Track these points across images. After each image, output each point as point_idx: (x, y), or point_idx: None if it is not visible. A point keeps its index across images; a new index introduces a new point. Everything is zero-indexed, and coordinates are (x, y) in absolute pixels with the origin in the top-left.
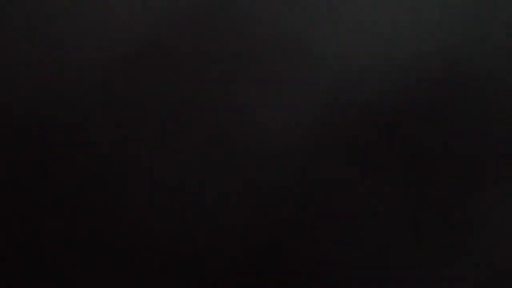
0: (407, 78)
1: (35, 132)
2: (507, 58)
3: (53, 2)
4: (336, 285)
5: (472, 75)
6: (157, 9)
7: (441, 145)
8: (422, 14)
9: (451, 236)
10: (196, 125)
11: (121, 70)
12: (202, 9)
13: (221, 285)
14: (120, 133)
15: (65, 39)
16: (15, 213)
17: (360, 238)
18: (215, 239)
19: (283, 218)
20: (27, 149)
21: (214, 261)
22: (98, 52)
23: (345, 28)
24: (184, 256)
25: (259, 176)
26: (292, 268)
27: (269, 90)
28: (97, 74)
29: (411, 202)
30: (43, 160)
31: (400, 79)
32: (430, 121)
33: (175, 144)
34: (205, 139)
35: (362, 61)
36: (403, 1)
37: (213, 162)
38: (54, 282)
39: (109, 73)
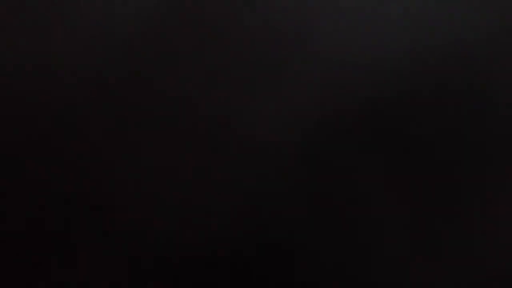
0: (408, 73)
1: (34, 126)
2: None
3: None
4: (337, 281)
5: (476, 71)
6: (154, 2)
7: (443, 141)
8: (425, 8)
9: (454, 231)
10: (191, 121)
11: (118, 63)
12: (198, 4)
13: (217, 285)
14: (115, 128)
15: (61, 32)
16: (13, 211)
17: (359, 236)
18: (211, 238)
19: (279, 215)
20: (25, 144)
21: (210, 260)
22: (94, 45)
23: (345, 22)
24: (180, 255)
25: (254, 172)
26: (291, 266)
27: (267, 85)
28: (93, 68)
29: (412, 198)
30: (42, 155)
31: (401, 74)
32: (431, 116)
33: (169, 140)
34: (200, 135)
35: (362, 57)
36: None
37: (208, 159)
38: (54, 280)
39: (106, 66)
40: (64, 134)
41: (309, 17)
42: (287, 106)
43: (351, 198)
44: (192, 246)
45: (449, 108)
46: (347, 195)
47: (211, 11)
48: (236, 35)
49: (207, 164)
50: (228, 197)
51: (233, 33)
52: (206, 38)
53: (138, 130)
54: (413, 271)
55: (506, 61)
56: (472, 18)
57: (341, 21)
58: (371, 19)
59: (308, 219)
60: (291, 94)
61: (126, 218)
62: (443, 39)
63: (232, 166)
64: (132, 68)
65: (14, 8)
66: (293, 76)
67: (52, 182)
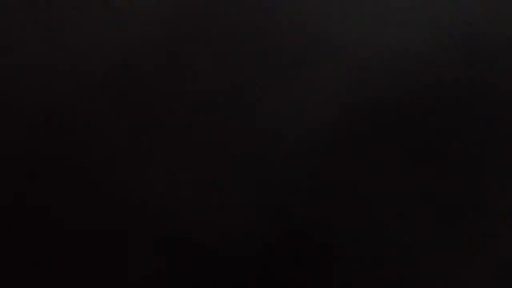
0: (428, 71)
1: (37, 130)
2: None
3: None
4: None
5: (492, 68)
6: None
7: (458, 140)
8: (445, 5)
9: (463, 232)
10: (209, 122)
11: (131, 64)
12: (215, 2)
13: (233, 285)
14: (129, 132)
15: (64, 39)
16: (16, 210)
17: (373, 237)
18: (228, 239)
19: (297, 217)
20: (28, 147)
21: (226, 260)
22: (100, 51)
23: (365, 20)
24: (193, 255)
25: (273, 174)
26: (305, 266)
27: (285, 86)
28: (99, 74)
29: (426, 199)
30: (45, 159)
31: (421, 73)
32: (449, 115)
33: (187, 143)
34: (218, 137)
35: (381, 56)
36: None
37: (226, 161)
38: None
39: (117, 71)
40: (71, 136)
41: (329, 14)
42: (308, 103)
43: (373, 192)
44: (215, 243)
45: (472, 105)
46: (371, 190)
47: (228, 8)
48: (254, 34)
49: (229, 162)
50: (251, 194)
51: (251, 32)
52: (223, 37)
53: (159, 129)
54: (429, 266)
55: None
56: (486, 16)
57: (360, 17)
58: (390, 16)
59: (331, 214)
60: (311, 95)
61: (145, 219)
62: (462, 38)
63: (254, 163)
64: (154, 68)
65: (22, 9)
66: (313, 73)
67: (57, 183)
